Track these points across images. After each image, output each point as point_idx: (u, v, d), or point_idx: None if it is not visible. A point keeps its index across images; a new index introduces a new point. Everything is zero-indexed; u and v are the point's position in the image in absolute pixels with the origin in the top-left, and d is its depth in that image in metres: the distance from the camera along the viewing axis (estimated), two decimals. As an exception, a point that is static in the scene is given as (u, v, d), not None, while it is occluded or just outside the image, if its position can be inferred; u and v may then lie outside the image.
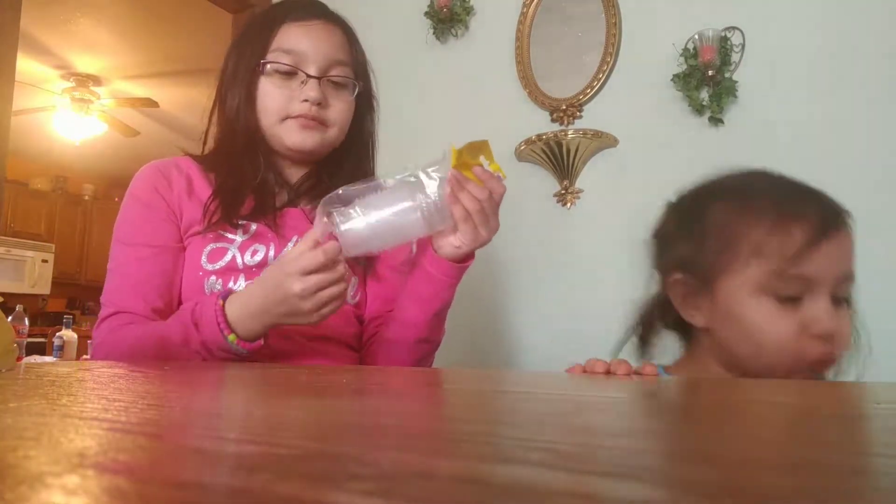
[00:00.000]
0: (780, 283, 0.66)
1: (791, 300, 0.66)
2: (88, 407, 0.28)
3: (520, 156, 1.59)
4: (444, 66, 1.76)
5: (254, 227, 0.84)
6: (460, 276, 0.83)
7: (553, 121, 1.57)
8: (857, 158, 1.21)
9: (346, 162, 0.93)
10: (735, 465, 0.17)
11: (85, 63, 3.91)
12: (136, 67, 3.95)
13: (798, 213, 0.67)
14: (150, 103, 4.05)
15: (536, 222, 1.57)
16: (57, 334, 2.78)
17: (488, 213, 0.77)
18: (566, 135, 1.48)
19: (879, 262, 1.04)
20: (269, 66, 0.86)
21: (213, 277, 0.81)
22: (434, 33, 1.76)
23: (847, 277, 0.67)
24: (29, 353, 2.72)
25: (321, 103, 0.86)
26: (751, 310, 0.67)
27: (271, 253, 0.83)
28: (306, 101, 0.84)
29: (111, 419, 0.24)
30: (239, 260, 0.82)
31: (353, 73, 0.90)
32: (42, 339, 4.05)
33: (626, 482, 0.14)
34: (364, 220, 0.74)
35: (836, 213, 0.69)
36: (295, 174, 0.92)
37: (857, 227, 0.72)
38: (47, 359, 2.29)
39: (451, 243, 0.80)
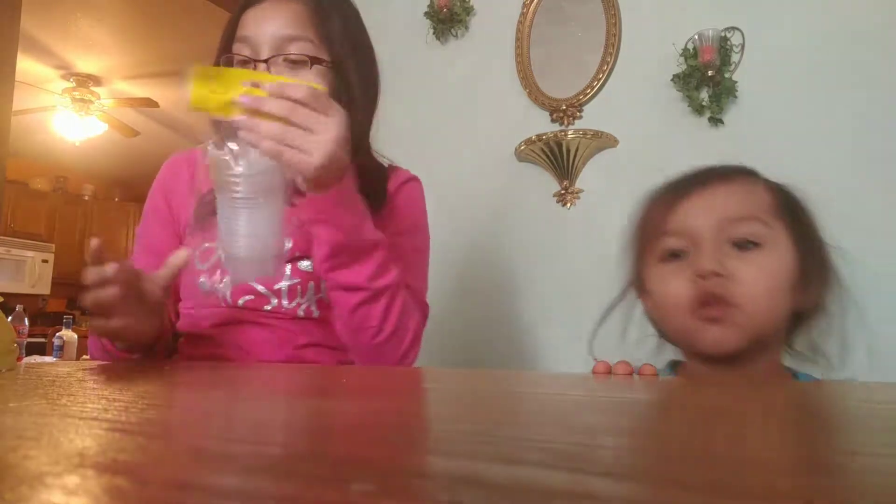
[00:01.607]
0: (658, 245, 0.71)
1: (679, 259, 0.70)
2: (88, 407, 0.28)
3: (520, 156, 1.59)
4: (444, 66, 1.76)
5: None
6: (322, 205, 0.70)
7: (553, 121, 1.57)
8: (857, 159, 1.21)
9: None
10: (734, 465, 0.17)
11: (85, 63, 3.92)
12: (136, 67, 3.95)
13: (668, 187, 0.74)
14: (150, 103, 4.06)
15: (536, 222, 1.57)
16: (57, 334, 2.79)
17: (303, 125, 0.63)
18: (566, 135, 1.48)
19: (879, 262, 1.04)
20: (233, 59, 0.81)
21: (204, 277, 0.81)
22: (434, 33, 1.75)
23: (734, 219, 0.68)
24: (29, 354, 2.72)
25: None
26: (653, 282, 0.73)
27: None
28: None
29: (111, 419, 0.24)
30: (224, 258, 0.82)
31: (324, 46, 0.80)
32: (42, 339, 4.06)
33: (626, 482, 0.14)
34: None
35: (703, 173, 0.73)
36: None
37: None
38: (47, 359, 2.29)
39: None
